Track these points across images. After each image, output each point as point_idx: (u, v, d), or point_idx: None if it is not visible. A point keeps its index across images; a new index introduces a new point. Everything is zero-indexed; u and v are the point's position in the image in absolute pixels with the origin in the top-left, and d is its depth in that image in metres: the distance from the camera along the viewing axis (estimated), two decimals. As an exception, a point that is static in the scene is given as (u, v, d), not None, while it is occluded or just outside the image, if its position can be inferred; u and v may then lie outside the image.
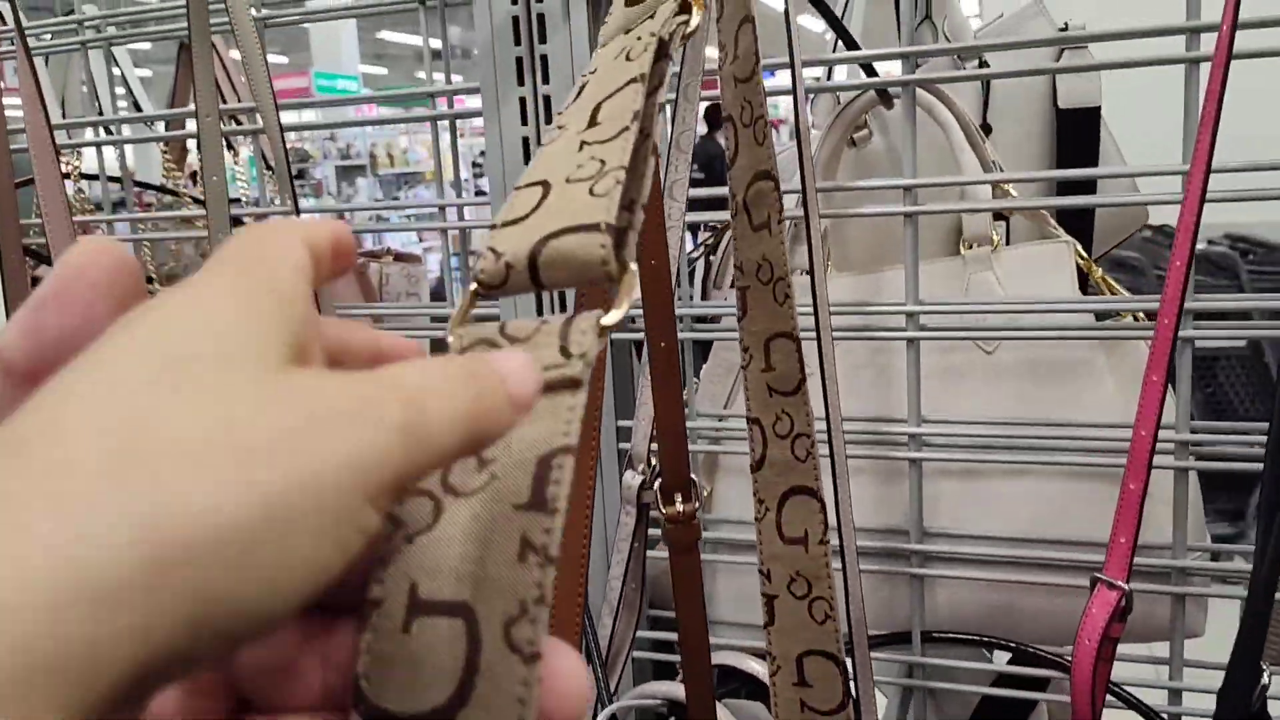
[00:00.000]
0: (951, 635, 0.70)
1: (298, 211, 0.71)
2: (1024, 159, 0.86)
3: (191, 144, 1.21)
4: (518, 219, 0.24)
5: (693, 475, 0.53)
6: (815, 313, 0.60)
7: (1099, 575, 0.58)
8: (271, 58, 0.69)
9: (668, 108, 0.60)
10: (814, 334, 0.59)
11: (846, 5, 0.98)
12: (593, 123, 0.26)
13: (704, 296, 0.87)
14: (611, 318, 0.21)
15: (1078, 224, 0.83)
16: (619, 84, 0.26)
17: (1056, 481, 0.69)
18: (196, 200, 1.17)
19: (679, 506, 0.53)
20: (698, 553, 0.53)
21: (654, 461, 0.69)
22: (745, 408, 0.46)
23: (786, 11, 0.61)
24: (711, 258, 0.87)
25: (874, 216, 0.69)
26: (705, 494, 0.77)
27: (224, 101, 1.10)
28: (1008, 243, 0.76)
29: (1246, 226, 2.45)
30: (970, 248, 0.73)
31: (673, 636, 0.78)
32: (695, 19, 0.29)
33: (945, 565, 0.70)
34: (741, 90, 0.46)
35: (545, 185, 0.25)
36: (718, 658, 0.69)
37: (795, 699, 0.38)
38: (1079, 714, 0.55)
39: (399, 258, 1.24)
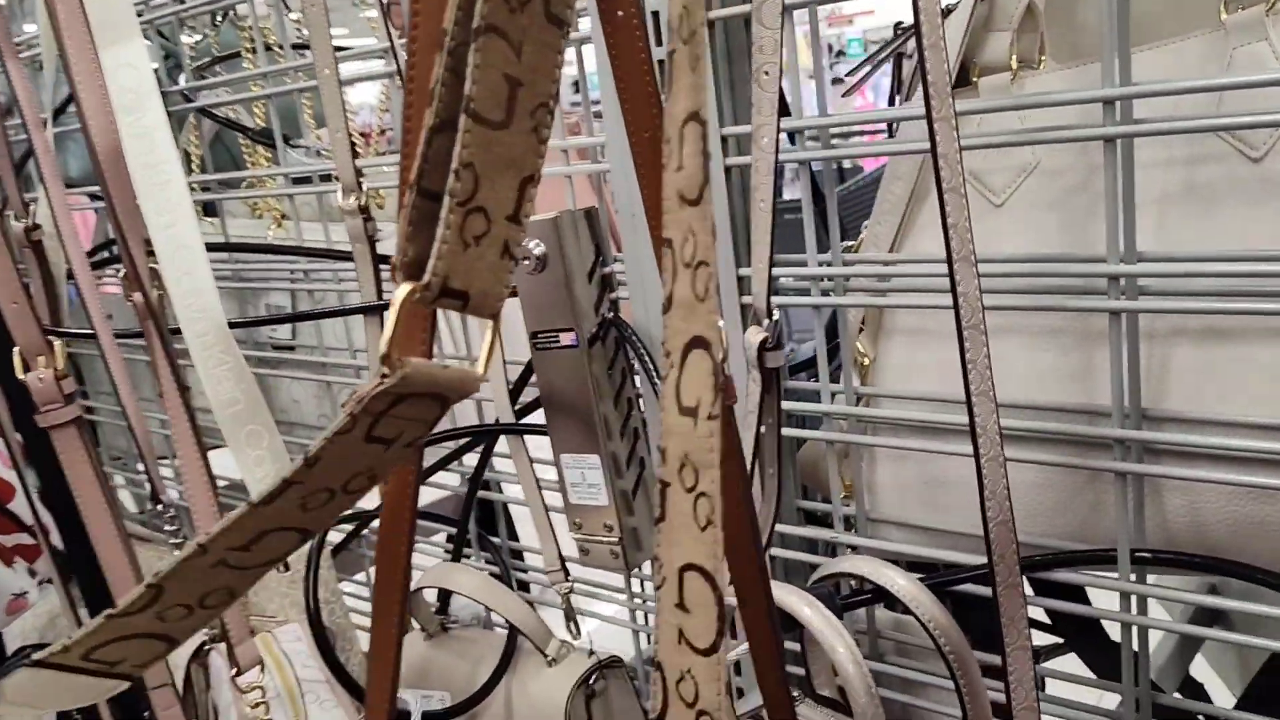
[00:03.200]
0: (1171, 556, 0.51)
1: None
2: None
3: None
4: None
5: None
6: (927, 103, 0.43)
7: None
8: None
9: None
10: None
11: None
12: None
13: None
14: None
15: None
16: None
17: (1351, 344, 0.46)
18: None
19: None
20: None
21: (775, 315, 0.56)
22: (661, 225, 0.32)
23: None
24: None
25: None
26: (866, 363, 0.62)
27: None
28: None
29: None
30: (1236, 11, 0.50)
31: (825, 534, 0.64)
32: None
33: (1175, 461, 0.51)
34: None
35: None
36: (849, 564, 0.56)
37: (674, 625, 0.26)
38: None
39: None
